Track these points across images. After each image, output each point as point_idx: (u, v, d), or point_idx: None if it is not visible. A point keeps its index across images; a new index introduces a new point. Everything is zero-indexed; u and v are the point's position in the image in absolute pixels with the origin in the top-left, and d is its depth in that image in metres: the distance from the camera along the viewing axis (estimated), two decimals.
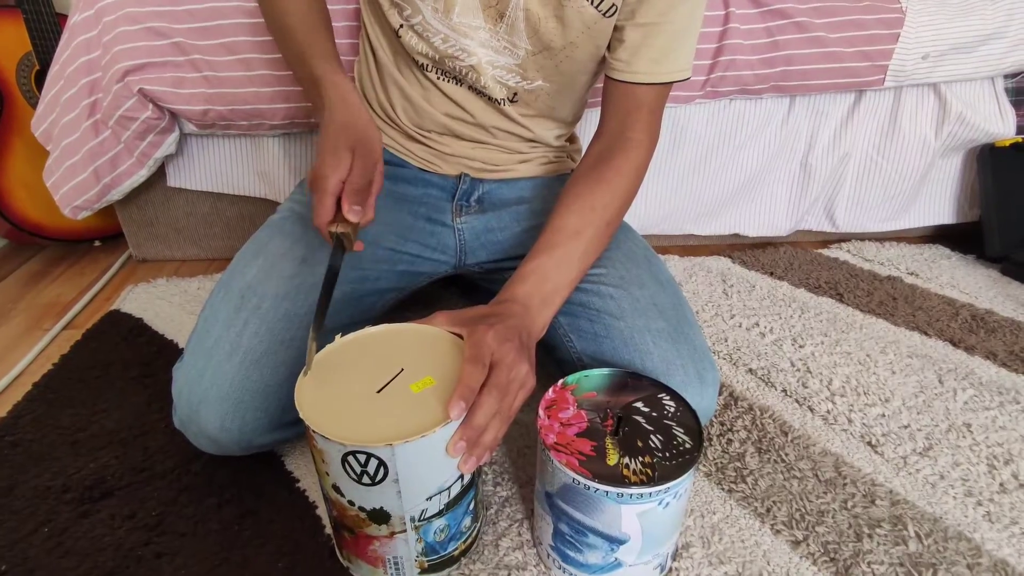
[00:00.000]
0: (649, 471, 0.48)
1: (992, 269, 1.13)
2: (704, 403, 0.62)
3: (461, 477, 0.50)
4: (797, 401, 0.79)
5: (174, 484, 0.64)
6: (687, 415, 0.54)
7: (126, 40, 0.89)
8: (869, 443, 0.72)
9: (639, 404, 0.55)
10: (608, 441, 0.51)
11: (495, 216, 0.78)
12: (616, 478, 0.48)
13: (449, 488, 0.49)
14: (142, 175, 1.00)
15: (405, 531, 0.50)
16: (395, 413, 0.47)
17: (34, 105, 1.03)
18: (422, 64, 0.70)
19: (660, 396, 0.56)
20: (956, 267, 1.14)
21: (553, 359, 0.72)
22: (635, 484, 0.47)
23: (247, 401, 0.59)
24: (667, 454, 0.50)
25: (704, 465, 0.68)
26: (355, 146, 0.56)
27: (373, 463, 0.45)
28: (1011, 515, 0.62)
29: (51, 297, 1.05)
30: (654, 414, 0.54)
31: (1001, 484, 0.66)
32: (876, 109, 1.11)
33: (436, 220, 0.78)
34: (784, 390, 0.81)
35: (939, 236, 1.26)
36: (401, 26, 0.68)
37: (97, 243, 1.22)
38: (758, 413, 0.76)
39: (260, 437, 0.61)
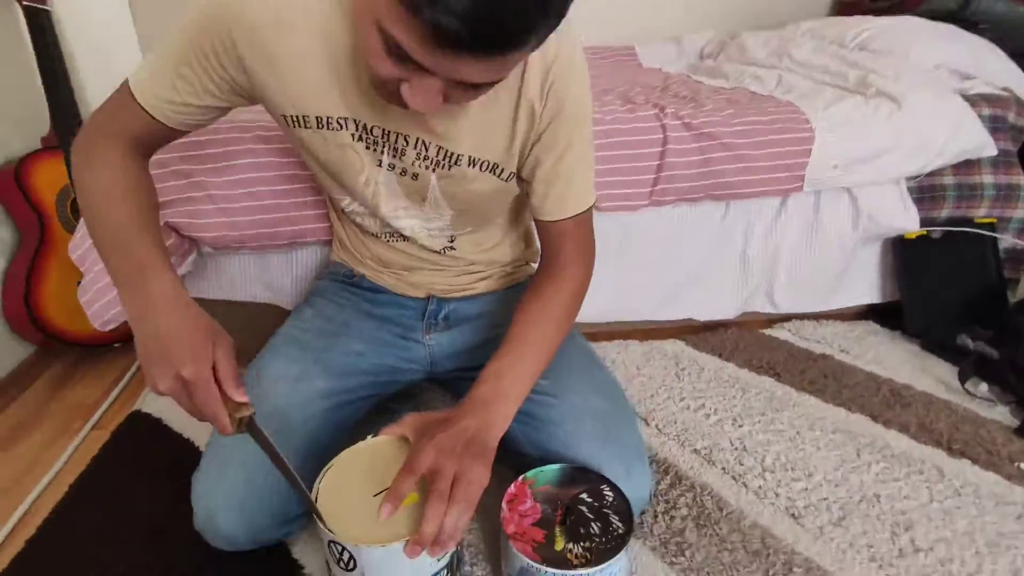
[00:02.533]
0: (588, 554, 0.61)
1: (913, 344, 1.28)
2: (635, 494, 0.73)
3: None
4: (733, 477, 0.91)
5: None
6: (622, 503, 0.67)
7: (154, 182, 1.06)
8: (792, 515, 0.84)
9: (584, 495, 0.68)
10: (557, 529, 0.64)
11: (459, 331, 0.92)
12: (561, 562, 0.60)
13: None
14: None
15: None
16: (378, 518, 0.60)
17: (70, 231, 1.18)
18: (373, 233, 0.87)
19: (602, 487, 0.69)
20: (882, 343, 1.29)
21: (512, 456, 0.85)
22: (576, 566, 0.59)
23: (254, 507, 0.71)
24: (604, 539, 0.62)
25: (650, 540, 0.80)
26: (214, 339, 0.59)
27: (346, 554, 0.58)
28: None
29: (77, 399, 1.17)
30: (595, 504, 0.67)
31: (900, 549, 0.78)
32: (800, 209, 1.29)
33: (410, 338, 0.92)
34: (723, 468, 0.93)
35: (870, 312, 1.42)
36: (342, 211, 0.86)
37: (117, 345, 1.34)
38: (699, 490, 0.88)
39: (266, 533, 0.73)
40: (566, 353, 0.87)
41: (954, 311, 1.29)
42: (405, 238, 0.86)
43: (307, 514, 0.78)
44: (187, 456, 0.97)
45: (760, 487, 0.89)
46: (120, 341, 1.33)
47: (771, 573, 0.75)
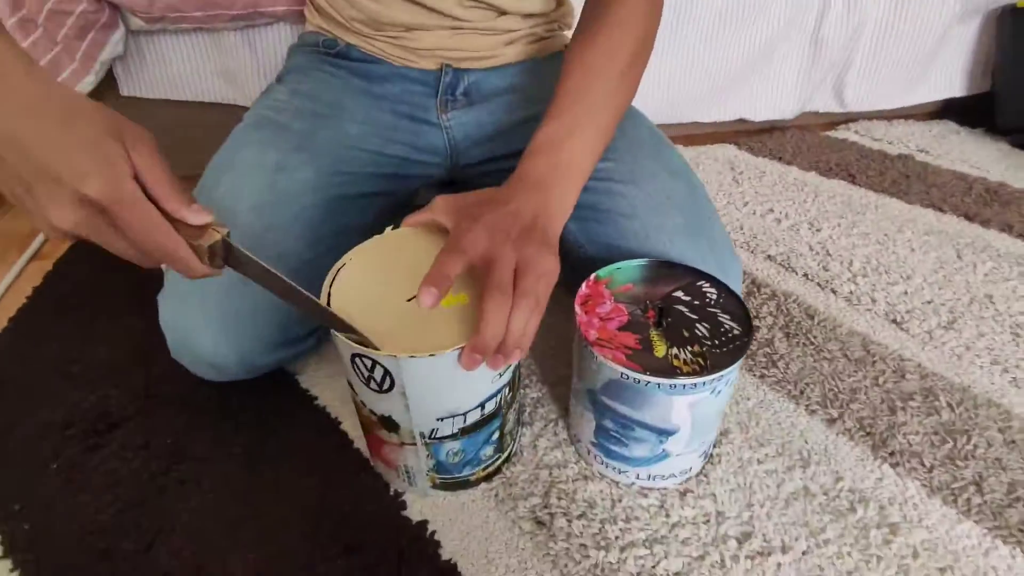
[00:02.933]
0: (700, 360, 0.46)
1: (1001, 142, 1.10)
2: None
3: (482, 406, 0.47)
4: (819, 285, 0.77)
5: (184, 411, 0.60)
6: (731, 300, 0.51)
7: None
8: (894, 320, 0.71)
9: (679, 293, 0.52)
10: (653, 333, 0.48)
11: (486, 109, 0.71)
12: (667, 370, 0.45)
13: (465, 414, 0.47)
14: (89, 82, 0.88)
15: (415, 444, 0.48)
16: (415, 325, 0.43)
17: None
18: None
19: (700, 284, 0.53)
20: (965, 142, 1.11)
21: (567, 265, 0.68)
22: (687, 374, 0.45)
23: (239, 322, 0.54)
24: (716, 342, 0.47)
25: None
26: (120, 134, 0.35)
27: (379, 371, 0.43)
28: None
29: (9, 228, 0.96)
30: (696, 302, 0.51)
31: None
32: None
33: (420, 119, 0.70)
34: (806, 274, 0.79)
35: (947, 111, 1.22)
36: None
37: None
38: (782, 299, 0.74)
39: (261, 358, 0.57)
40: (630, 127, 0.66)
41: None
42: None
43: (312, 333, 0.62)
44: (156, 279, 0.79)
45: (851, 292, 0.75)
46: None
47: (881, 381, 0.63)
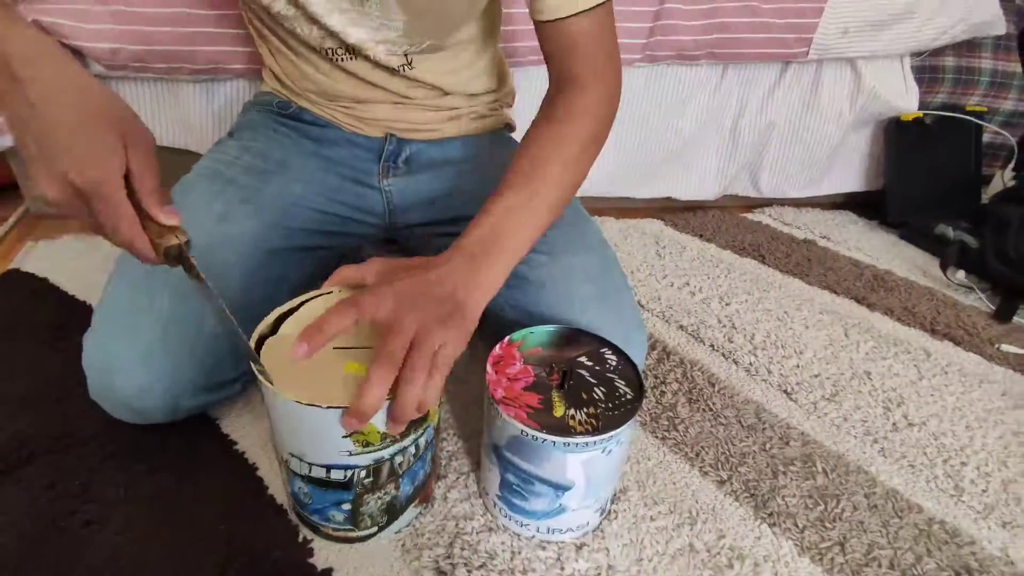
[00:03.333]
0: (593, 421, 0.51)
1: (892, 234, 1.24)
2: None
3: (327, 469, 0.48)
4: (723, 355, 0.84)
5: (98, 451, 0.60)
6: (628, 368, 0.57)
7: None
8: (785, 391, 0.78)
9: (583, 359, 0.58)
10: (554, 394, 0.53)
11: (423, 177, 0.76)
12: (563, 428, 0.50)
13: (310, 464, 0.49)
14: None
15: (283, 461, 0.52)
16: (325, 374, 0.47)
17: None
18: (312, 47, 0.67)
19: (602, 351, 0.59)
20: (862, 232, 1.24)
21: (489, 327, 0.72)
22: (580, 433, 0.50)
23: (169, 361, 0.56)
24: (610, 404, 0.53)
25: (640, 415, 0.72)
26: (124, 132, 0.42)
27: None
28: (901, 450, 0.70)
29: None
30: (597, 368, 0.57)
31: (894, 424, 0.74)
32: (800, 80, 1.17)
33: (363, 182, 0.75)
34: (712, 345, 0.86)
35: (848, 203, 1.37)
36: (268, 23, 0.68)
37: None
38: (688, 366, 0.81)
39: (187, 400, 0.59)
40: None
41: (932, 201, 1.25)
42: (352, 53, 0.67)
43: (239, 378, 0.64)
44: (80, 317, 0.79)
45: (751, 364, 0.83)
46: None
47: (767, 447, 0.69)
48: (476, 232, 0.53)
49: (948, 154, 1.26)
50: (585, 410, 0.52)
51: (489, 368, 0.55)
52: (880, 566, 0.57)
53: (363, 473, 0.49)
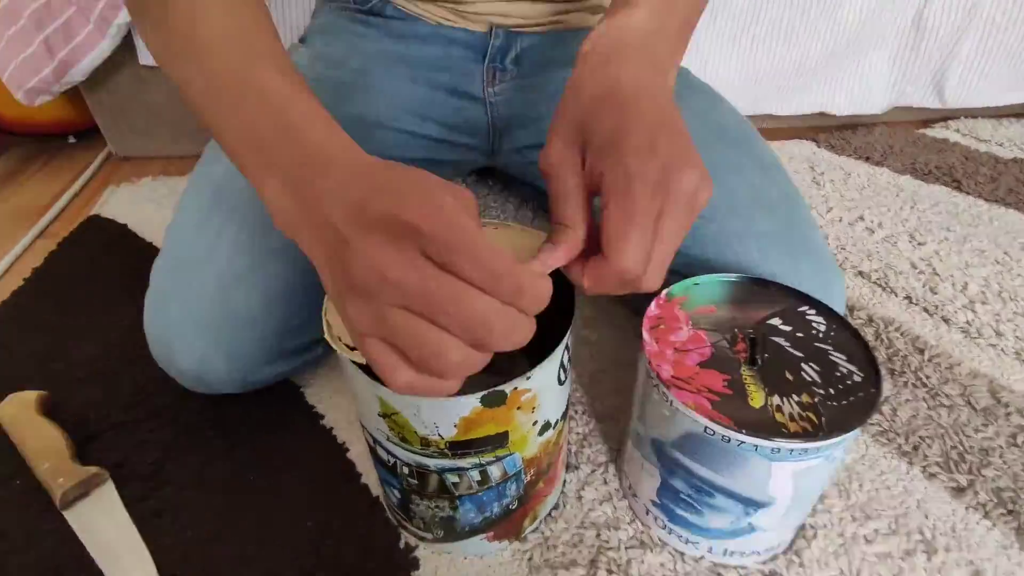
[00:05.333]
0: (812, 416, 0.35)
1: None
2: None
3: (388, 455, 0.37)
4: (926, 310, 0.64)
5: (171, 424, 0.52)
6: (845, 334, 0.40)
7: None
8: None
9: (776, 321, 0.41)
10: (745, 373, 0.37)
11: (537, 82, 0.60)
12: (767, 426, 0.34)
13: (370, 433, 0.37)
14: (105, 48, 0.82)
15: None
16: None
17: None
18: None
19: (802, 310, 0.41)
20: None
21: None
22: (796, 435, 0.33)
23: (230, 330, 0.45)
24: (830, 391, 0.36)
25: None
26: (449, 188, 0.27)
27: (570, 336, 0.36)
28: None
29: (21, 203, 0.90)
30: (799, 335, 0.40)
31: None
32: None
33: (462, 92, 0.60)
34: (908, 297, 0.66)
35: None
36: None
37: (72, 139, 1.05)
38: (881, 325, 0.61)
39: (255, 373, 0.48)
40: (709, 109, 0.55)
41: None
42: None
43: (318, 341, 0.52)
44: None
45: (970, 323, 0.62)
46: (75, 132, 1.03)
47: (1020, 440, 0.50)
48: (629, 28, 0.36)
49: None
50: (796, 398, 0.36)
51: (646, 335, 0.39)
52: None
53: (405, 470, 0.37)
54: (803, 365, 0.38)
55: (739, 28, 0.90)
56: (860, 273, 0.69)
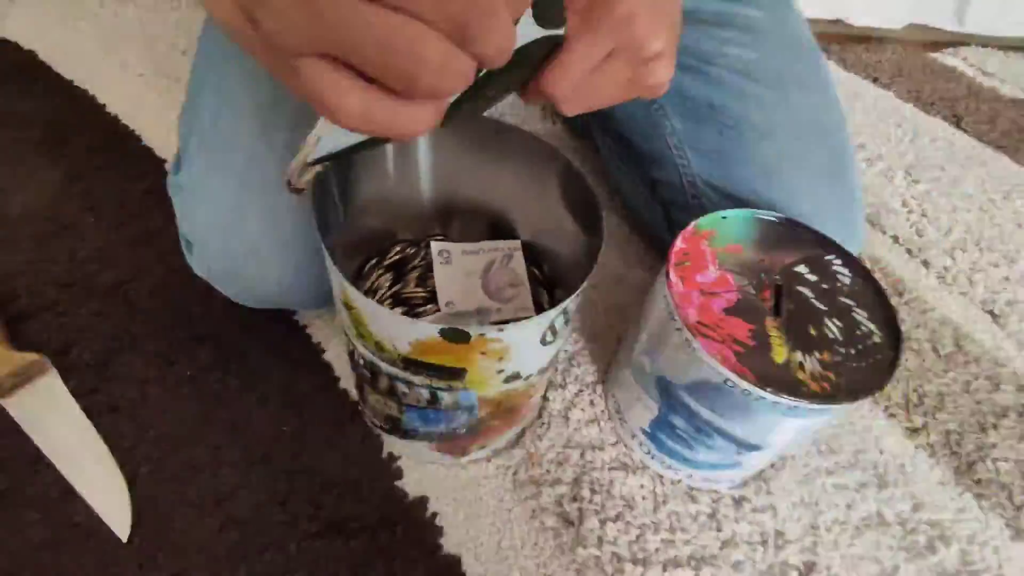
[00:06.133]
0: (831, 375, 0.34)
1: None
2: None
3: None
4: (910, 252, 0.64)
5: (123, 305, 0.46)
6: (868, 289, 0.38)
7: None
8: (992, 313, 0.60)
9: (802, 268, 0.39)
10: (770, 324, 0.36)
11: None
12: (789, 383, 0.33)
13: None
14: None
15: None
16: None
17: None
18: None
19: (828, 258, 0.40)
20: None
21: (646, 179, 0.52)
22: (815, 396, 0.33)
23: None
24: (851, 351, 0.35)
25: None
26: None
27: (575, 303, 0.32)
28: None
29: None
30: (825, 285, 0.38)
31: None
32: None
33: None
34: (895, 236, 0.66)
35: None
36: None
37: None
38: (867, 264, 0.62)
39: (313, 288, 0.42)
40: (786, 15, 0.49)
41: None
42: None
43: None
44: (80, 107, 0.60)
45: (946, 269, 0.63)
46: None
47: (972, 388, 0.53)
48: None
49: None
50: (818, 356, 0.35)
51: (672, 273, 0.37)
52: None
53: (361, 360, 0.35)
54: (827, 320, 0.36)
55: None
56: None
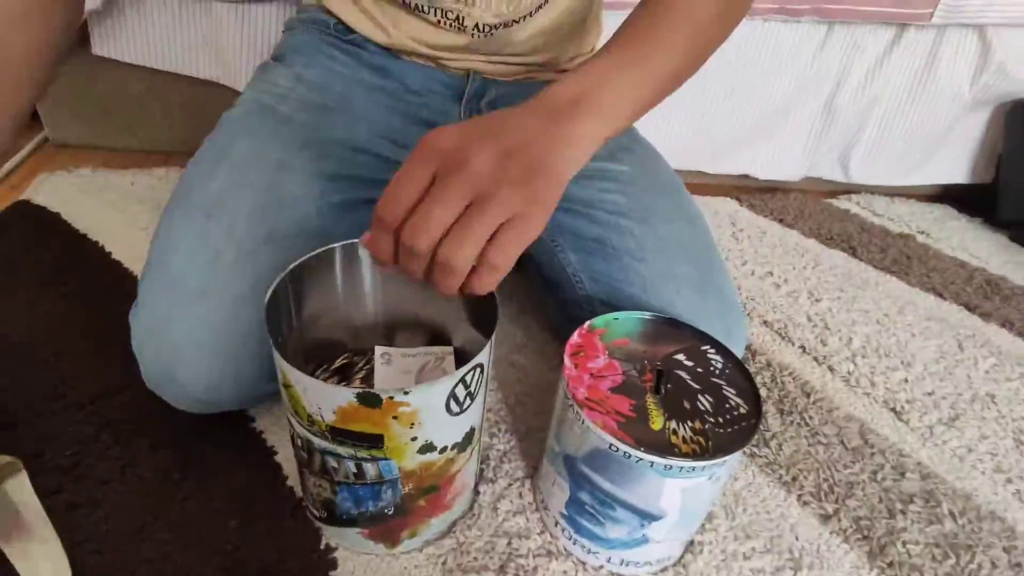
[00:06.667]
0: (701, 439, 0.40)
1: (1001, 235, 1.09)
2: None
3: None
4: (816, 360, 0.72)
5: (95, 418, 0.52)
6: (737, 372, 0.46)
7: None
8: (893, 410, 0.66)
9: (681, 356, 0.46)
10: (649, 400, 0.42)
11: None
12: (663, 446, 0.39)
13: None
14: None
15: (479, 434, 0.45)
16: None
17: None
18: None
19: (704, 348, 0.47)
20: (965, 229, 1.09)
21: (556, 300, 0.62)
22: (686, 455, 0.39)
23: (237, 350, 0.46)
24: (719, 419, 0.41)
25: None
26: None
27: (477, 373, 0.39)
28: None
29: None
30: (700, 370, 0.45)
31: None
32: (914, 49, 1.01)
33: (439, 124, 0.63)
34: (803, 347, 0.74)
35: (945, 196, 1.21)
36: None
37: None
38: (777, 370, 0.69)
39: (257, 390, 0.49)
40: (651, 163, 0.62)
41: None
42: (459, 21, 0.56)
43: None
44: (90, 259, 0.70)
45: (850, 373, 0.70)
46: None
47: (879, 477, 0.57)
48: (560, 89, 0.39)
49: None
50: (689, 424, 0.41)
51: (567, 360, 0.44)
52: None
53: (299, 441, 0.40)
54: (699, 396, 0.43)
55: (683, 95, 0.99)
56: (765, 322, 0.78)
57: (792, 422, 0.62)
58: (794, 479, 0.56)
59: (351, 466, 0.39)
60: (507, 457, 0.54)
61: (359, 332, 0.52)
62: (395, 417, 0.36)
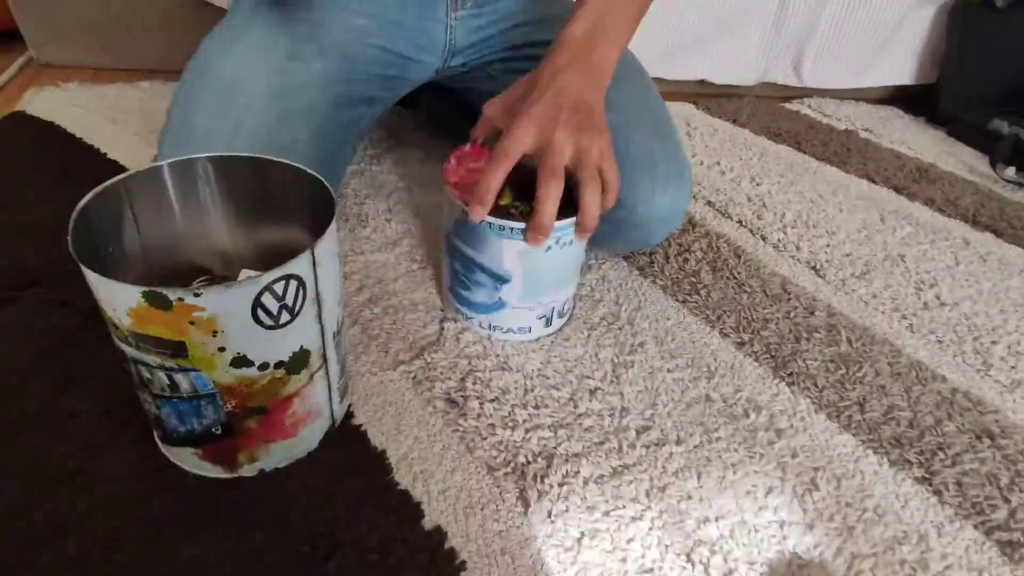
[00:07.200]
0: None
1: (940, 131, 1.16)
2: (680, 200, 0.61)
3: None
4: (751, 230, 0.81)
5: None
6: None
7: None
8: (813, 267, 0.75)
9: None
10: (507, 187, 0.50)
11: (488, 9, 0.69)
12: (501, 212, 0.49)
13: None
14: None
15: (325, 359, 0.43)
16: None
17: None
18: None
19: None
20: (908, 127, 1.17)
21: None
22: (515, 219, 0.49)
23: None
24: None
25: (661, 279, 0.70)
26: None
27: (293, 286, 0.36)
28: (930, 327, 0.68)
29: None
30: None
31: (925, 303, 0.71)
32: None
33: (428, 15, 0.66)
34: (740, 221, 0.82)
35: (894, 99, 1.27)
36: None
37: None
38: (714, 238, 0.78)
39: None
40: (632, 63, 0.69)
41: (991, 96, 1.16)
42: None
43: None
44: (89, 158, 0.77)
45: (780, 240, 0.79)
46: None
47: (792, 315, 0.67)
48: (576, 26, 0.52)
49: (1018, 44, 1.15)
50: (531, 204, 0.48)
51: (451, 158, 0.54)
52: (899, 425, 0.56)
53: (120, 351, 0.38)
54: None
55: None
56: (709, 203, 0.86)
57: (722, 277, 0.71)
58: (718, 318, 0.65)
59: (163, 376, 0.37)
60: None
61: (230, 260, 0.50)
62: (192, 323, 0.34)
